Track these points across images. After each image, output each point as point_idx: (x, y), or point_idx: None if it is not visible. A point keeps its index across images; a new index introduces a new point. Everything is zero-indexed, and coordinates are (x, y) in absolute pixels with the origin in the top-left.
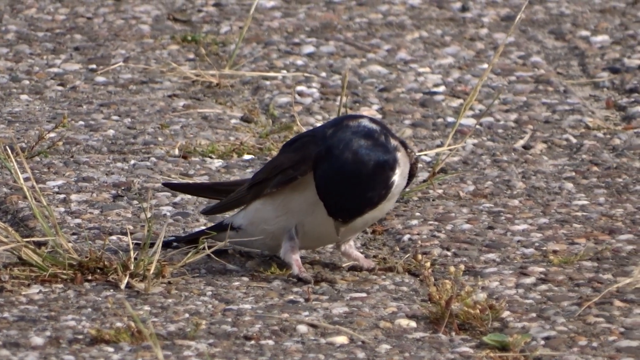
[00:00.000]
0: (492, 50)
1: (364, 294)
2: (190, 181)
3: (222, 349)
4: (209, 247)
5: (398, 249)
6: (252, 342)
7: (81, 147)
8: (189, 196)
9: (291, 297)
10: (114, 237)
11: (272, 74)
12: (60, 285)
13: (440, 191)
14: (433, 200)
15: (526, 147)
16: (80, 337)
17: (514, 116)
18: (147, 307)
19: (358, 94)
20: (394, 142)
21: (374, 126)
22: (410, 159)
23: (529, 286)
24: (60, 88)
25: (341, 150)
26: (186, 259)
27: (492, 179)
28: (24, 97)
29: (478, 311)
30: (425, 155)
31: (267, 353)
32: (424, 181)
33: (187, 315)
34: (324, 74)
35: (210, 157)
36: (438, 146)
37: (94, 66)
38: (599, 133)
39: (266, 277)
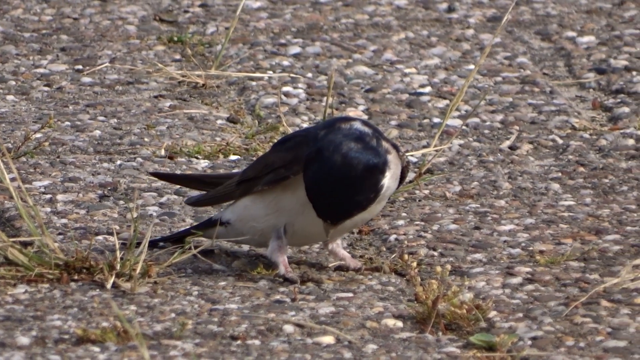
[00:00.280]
0: (479, 51)
1: (350, 294)
2: (179, 172)
3: (208, 348)
4: (196, 247)
5: (384, 249)
6: (239, 342)
7: (67, 147)
8: (175, 196)
9: (277, 297)
10: (100, 237)
11: (258, 74)
12: (47, 285)
13: (426, 191)
14: (419, 200)
15: (512, 147)
16: (67, 337)
17: (500, 117)
18: (133, 307)
19: (344, 94)
20: (385, 145)
21: (365, 129)
22: (402, 162)
23: (515, 286)
24: (46, 89)
25: (331, 152)
26: (172, 258)
27: (478, 179)
28: (10, 97)
29: (465, 311)
30: (412, 155)
31: (253, 353)
32: (411, 182)
33: (173, 315)
34: (310, 75)
35: (197, 158)
36: (424, 147)
37: (80, 67)
38: (585, 134)
39: (252, 277)
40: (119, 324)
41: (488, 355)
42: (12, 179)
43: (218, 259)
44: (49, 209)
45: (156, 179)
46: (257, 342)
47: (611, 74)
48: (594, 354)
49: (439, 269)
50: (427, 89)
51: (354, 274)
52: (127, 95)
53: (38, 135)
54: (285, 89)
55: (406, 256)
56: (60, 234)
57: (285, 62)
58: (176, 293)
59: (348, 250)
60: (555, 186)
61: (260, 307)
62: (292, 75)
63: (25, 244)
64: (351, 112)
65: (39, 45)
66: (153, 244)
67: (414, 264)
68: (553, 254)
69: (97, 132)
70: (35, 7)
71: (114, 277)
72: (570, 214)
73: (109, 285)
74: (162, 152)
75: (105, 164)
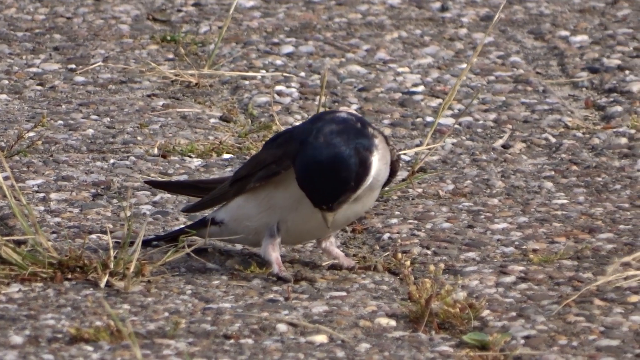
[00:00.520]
0: (472, 50)
1: (343, 293)
2: (172, 179)
3: (201, 347)
4: (189, 246)
5: (378, 248)
6: (232, 341)
7: (60, 146)
8: (169, 195)
9: (271, 295)
10: (93, 236)
11: (251, 73)
12: (40, 284)
13: (419, 190)
14: (412, 199)
15: (505, 146)
16: (60, 336)
17: (493, 116)
18: (126, 306)
19: (337, 93)
20: (372, 131)
21: (349, 116)
22: (392, 156)
23: (508, 285)
24: (39, 88)
25: (315, 136)
26: (166, 257)
27: (471, 178)
28: (3, 96)
29: (458, 310)
30: (405, 154)
31: (246, 352)
32: (404, 180)
33: (166, 314)
34: (303, 74)
35: (190, 157)
36: (417, 145)
37: (73, 66)
38: (578, 132)
39: (246, 276)
40: (112, 323)
41: (481, 354)
42: (6, 178)
43: (212, 257)
44: (42, 208)
45: (147, 172)
46: (250, 341)
47: (604, 73)
48: (587, 352)
49: (432, 267)
50: (420, 88)
51: (347, 273)
52: (120, 94)
53: (31, 134)
54: (278, 88)
55: (399, 255)
56: (53, 232)
57: (278, 61)
58: (170, 292)
59: (341, 249)
60: (549, 185)
61: (253, 306)
62: (285, 74)
63: (18, 243)
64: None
65: (32, 44)
66: (147, 243)
67: (408, 263)
68: (546, 253)
69: (90, 131)
70: (28, 6)
71: (107, 276)
72: (564, 212)
73: (102, 284)
74: (155, 151)
75: (98, 163)
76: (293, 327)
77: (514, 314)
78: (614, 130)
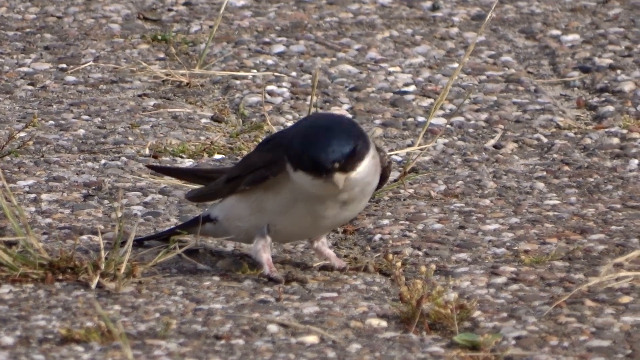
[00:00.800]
0: (463, 49)
1: (334, 294)
2: (172, 166)
3: (192, 348)
4: (180, 247)
5: (369, 249)
6: (223, 341)
7: (51, 146)
8: (160, 195)
9: (262, 296)
10: (84, 237)
11: (242, 73)
12: (31, 285)
13: (411, 191)
14: (404, 199)
15: (497, 146)
16: (51, 336)
17: (484, 116)
18: (117, 307)
19: (328, 93)
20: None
21: (343, 116)
22: (383, 162)
23: (500, 286)
24: (30, 87)
25: (306, 119)
26: (157, 258)
27: (463, 178)
28: None
29: (449, 311)
30: (396, 154)
31: (237, 352)
32: (395, 181)
33: (157, 314)
34: (294, 74)
35: (181, 157)
36: (409, 146)
37: (64, 65)
38: (570, 132)
39: (237, 277)
40: (103, 324)
41: (472, 354)
42: None
43: (203, 258)
44: (33, 209)
45: (139, 173)
46: (241, 341)
47: (596, 72)
48: (578, 353)
49: (423, 268)
50: (412, 88)
51: (338, 274)
52: (111, 94)
53: (22, 134)
54: (269, 87)
55: (391, 256)
56: (44, 233)
57: (270, 61)
58: (160, 293)
59: (333, 250)
60: (540, 185)
61: (244, 307)
62: (276, 74)
63: (9, 244)
64: (335, 111)
65: (23, 43)
66: (138, 243)
67: (399, 264)
68: (538, 254)
69: (82, 131)
70: (19, 5)
71: (98, 276)
72: (555, 213)
73: (93, 285)
74: (147, 151)
75: (89, 163)
76: (284, 328)
77: (505, 314)
78: (606, 130)
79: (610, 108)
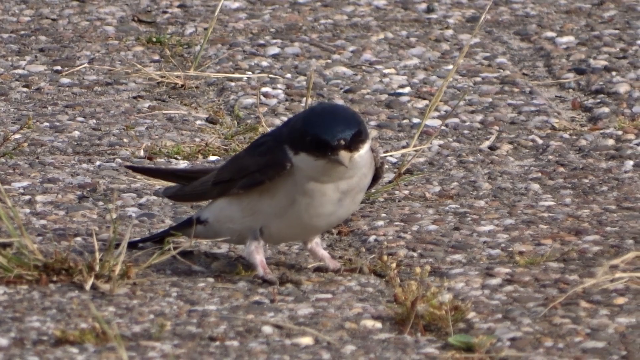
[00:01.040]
0: (458, 51)
1: (329, 295)
2: (152, 165)
3: (187, 349)
4: (175, 248)
5: (364, 250)
6: (217, 343)
7: (46, 148)
8: (155, 197)
9: (256, 298)
10: (79, 239)
11: (237, 75)
12: (25, 287)
13: (406, 192)
14: (399, 201)
15: (492, 148)
16: (45, 338)
17: (479, 117)
18: (112, 308)
19: (323, 95)
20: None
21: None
22: (376, 162)
23: (494, 287)
24: (25, 89)
25: (305, 110)
26: (151, 260)
27: (458, 179)
28: None
29: (444, 312)
30: (391, 156)
31: (232, 354)
32: (390, 182)
33: (152, 316)
34: (289, 75)
35: (176, 159)
36: (404, 147)
37: (58, 68)
38: (565, 134)
39: (231, 278)
40: (98, 325)
41: (467, 356)
42: None
43: (197, 260)
44: (28, 210)
45: (133, 174)
46: (235, 343)
47: (591, 74)
48: (573, 354)
49: (418, 269)
50: (407, 90)
51: (333, 275)
52: (106, 96)
53: (17, 136)
54: (264, 89)
55: (385, 257)
56: (39, 235)
57: (264, 63)
58: (155, 294)
59: (327, 251)
60: (535, 186)
61: (239, 308)
62: (271, 75)
63: (4, 245)
64: None
65: (18, 46)
66: (133, 245)
67: (393, 265)
68: (532, 255)
69: (76, 133)
70: (13, 7)
71: (92, 278)
72: (550, 214)
73: (87, 287)
74: (142, 153)
75: (84, 165)
76: (278, 329)
77: (499, 316)
78: (601, 131)
79: (605, 110)
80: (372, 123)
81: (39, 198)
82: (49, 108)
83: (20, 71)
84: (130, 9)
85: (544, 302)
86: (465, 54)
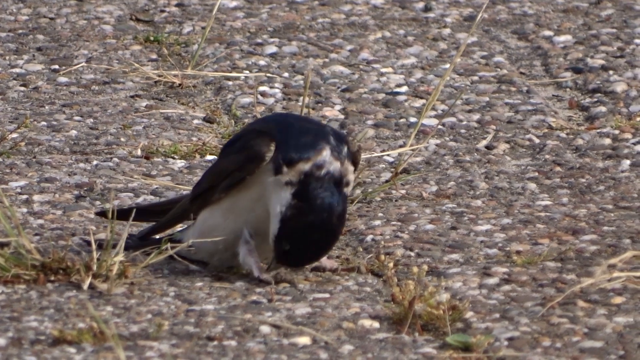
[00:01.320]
0: (455, 50)
1: (327, 295)
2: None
3: (184, 349)
4: (172, 248)
5: (361, 250)
6: (215, 342)
7: (43, 147)
8: (152, 197)
9: (254, 297)
10: (76, 238)
11: (234, 74)
12: (23, 286)
13: (403, 192)
14: (396, 200)
15: (489, 147)
16: (43, 337)
17: (476, 116)
18: (109, 308)
19: (320, 94)
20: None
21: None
22: (352, 147)
23: (492, 287)
24: (22, 88)
25: (313, 196)
26: (149, 259)
27: (455, 179)
28: None
29: (441, 312)
30: (388, 155)
31: (229, 354)
32: (387, 181)
33: (149, 315)
34: (286, 74)
35: (173, 158)
36: (400, 146)
37: (56, 67)
38: (562, 133)
39: (229, 278)
40: (95, 325)
41: (464, 355)
42: None
43: (195, 260)
44: (25, 210)
45: (130, 174)
46: (233, 342)
47: (588, 73)
48: (570, 354)
49: (415, 269)
50: (404, 89)
51: (330, 275)
52: (103, 95)
53: (14, 135)
54: (261, 88)
55: (383, 256)
56: (36, 234)
57: (262, 62)
58: (153, 294)
59: None
60: (532, 186)
61: (236, 308)
62: (268, 74)
63: (1, 245)
64: (327, 112)
65: (15, 45)
66: (129, 245)
67: (391, 265)
68: (530, 254)
69: (74, 132)
70: (11, 6)
71: (90, 278)
72: (547, 214)
73: (85, 286)
74: (139, 152)
75: (81, 164)
76: (276, 329)
77: (497, 315)
78: (598, 130)
79: (603, 109)
80: (369, 122)
81: (36, 197)
82: (47, 107)
83: (17, 70)
84: (127, 8)
85: (542, 302)
86: (463, 52)
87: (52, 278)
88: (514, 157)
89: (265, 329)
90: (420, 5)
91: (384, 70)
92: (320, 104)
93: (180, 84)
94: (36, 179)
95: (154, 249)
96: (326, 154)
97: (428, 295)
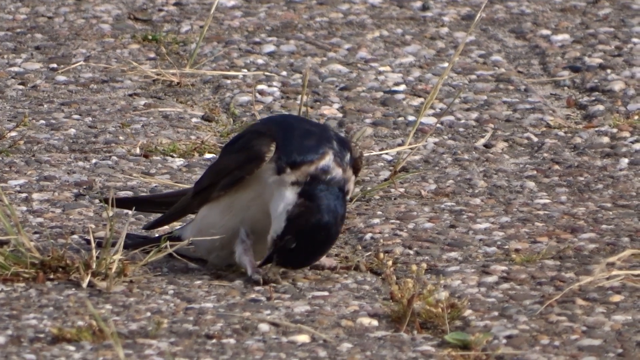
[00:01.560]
0: (453, 49)
1: (325, 293)
2: (130, 194)
3: (183, 347)
4: (171, 246)
5: (360, 248)
6: (214, 340)
7: (42, 146)
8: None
9: (253, 295)
10: (75, 236)
11: (232, 73)
12: (22, 284)
13: (401, 190)
14: (395, 199)
15: (487, 145)
16: (42, 335)
17: (474, 115)
18: (108, 306)
19: (319, 92)
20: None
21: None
22: (354, 153)
23: (491, 285)
24: (21, 87)
25: (319, 205)
26: (148, 257)
27: (453, 177)
28: None
29: (440, 310)
30: (387, 154)
31: (228, 352)
32: (386, 180)
33: (148, 314)
34: (284, 73)
35: (172, 156)
36: (399, 145)
37: (54, 65)
38: (560, 132)
39: (228, 276)
40: (95, 323)
41: (463, 353)
42: None
43: (194, 258)
44: (24, 208)
45: (129, 172)
46: (232, 340)
47: (586, 72)
48: (569, 352)
49: (414, 267)
50: (402, 87)
51: (329, 273)
52: (101, 94)
53: (13, 133)
54: (259, 87)
55: (382, 255)
56: (36, 232)
57: (260, 61)
58: (152, 292)
59: None
60: (531, 184)
61: (235, 306)
62: (266, 73)
63: (1, 243)
64: (326, 110)
65: (14, 43)
66: (128, 244)
67: (390, 263)
68: (528, 253)
69: (72, 131)
70: (9, 5)
71: (89, 276)
72: (546, 212)
73: (84, 284)
74: (137, 151)
75: (80, 163)
76: (275, 327)
77: (496, 313)
78: (596, 129)
79: (600, 107)
80: (368, 121)
81: (35, 196)
82: (45, 106)
83: (16, 69)
84: (126, 6)
85: (540, 300)
86: (461, 51)
87: (52, 276)
88: (513, 155)
89: (264, 327)
90: (418, 4)
91: (382, 69)
92: (318, 103)
93: (178, 83)
94: (35, 177)
95: (153, 247)
96: (329, 159)
97: (427, 294)
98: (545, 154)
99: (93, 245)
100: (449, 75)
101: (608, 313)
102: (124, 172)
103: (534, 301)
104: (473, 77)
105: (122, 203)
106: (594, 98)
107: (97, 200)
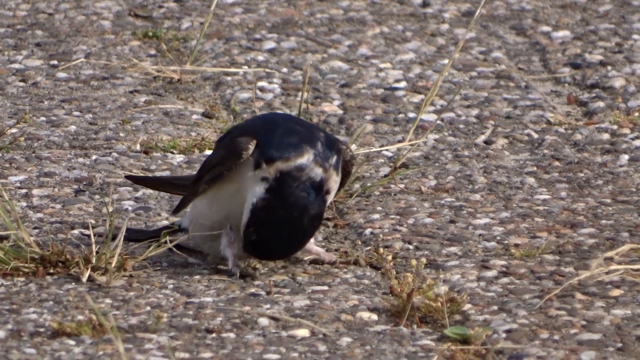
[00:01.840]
0: (453, 45)
1: (325, 287)
2: (150, 174)
3: (183, 341)
4: (171, 241)
5: (360, 243)
6: (214, 335)
7: (43, 142)
8: (151, 191)
9: (252, 290)
10: (75, 231)
11: (233, 69)
12: (22, 279)
13: (402, 186)
14: (395, 194)
15: (487, 142)
16: (42, 330)
17: (475, 111)
18: (108, 300)
19: (319, 89)
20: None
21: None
22: (344, 156)
23: (490, 279)
24: (21, 84)
25: (287, 192)
26: (148, 252)
27: (453, 173)
28: None
29: (439, 304)
30: (387, 150)
31: (228, 346)
32: (386, 176)
33: (148, 308)
34: (285, 70)
35: (172, 153)
36: (399, 141)
37: (55, 62)
38: (561, 128)
39: (227, 271)
40: (95, 317)
41: (462, 347)
42: None
43: (193, 252)
44: (24, 204)
45: (129, 169)
46: (232, 335)
47: (586, 68)
48: (568, 346)
49: (414, 262)
50: (402, 84)
51: (329, 267)
52: (102, 91)
53: (13, 130)
54: (260, 84)
55: (381, 249)
56: (36, 228)
57: (261, 57)
58: (151, 286)
59: (323, 244)
60: (531, 180)
61: (235, 301)
62: (267, 70)
63: (1, 239)
64: (326, 107)
65: (14, 40)
66: (128, 238)
67: (389, 258)
68: (528, 247)
69: (73, 127)
70: (9, 2)
71: (89, 270)
72: (546, 207)
73: (84, 279)
74: (138, 147)
75: (80, 159)
76: (275, 321)
77: (495, 308)
78: (596, 126)
79: (601, 104)
80: (368, 117)
81: (35, 192)
82: (46, 102)
83: (16, 65)
84: (126, 3)
85: (540, 294)
86: (461, 48)
87: (51, 271)
88: (513, 152)
89: (263, 321)
90: (419, 0)
91: (382, 65)
92: (319, 99)
93: (179, 80)
94: (35, 173)
95: (153, 241)
96: (307, 157)
97: (426, 288)
98: (546, 151)
99: (93, 240)
100: (449, 72)
101: (607, 307)
102: (124, 168)
103: (534, 295)
104: (473, 73)
105: (143, 182)
106: (594, 95)
107: (97, 196)
